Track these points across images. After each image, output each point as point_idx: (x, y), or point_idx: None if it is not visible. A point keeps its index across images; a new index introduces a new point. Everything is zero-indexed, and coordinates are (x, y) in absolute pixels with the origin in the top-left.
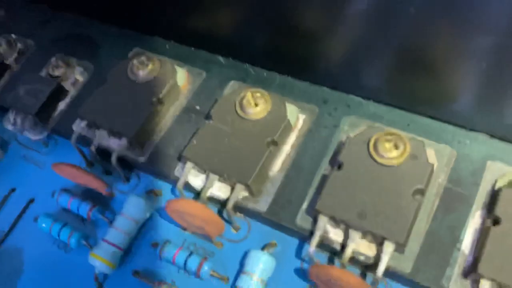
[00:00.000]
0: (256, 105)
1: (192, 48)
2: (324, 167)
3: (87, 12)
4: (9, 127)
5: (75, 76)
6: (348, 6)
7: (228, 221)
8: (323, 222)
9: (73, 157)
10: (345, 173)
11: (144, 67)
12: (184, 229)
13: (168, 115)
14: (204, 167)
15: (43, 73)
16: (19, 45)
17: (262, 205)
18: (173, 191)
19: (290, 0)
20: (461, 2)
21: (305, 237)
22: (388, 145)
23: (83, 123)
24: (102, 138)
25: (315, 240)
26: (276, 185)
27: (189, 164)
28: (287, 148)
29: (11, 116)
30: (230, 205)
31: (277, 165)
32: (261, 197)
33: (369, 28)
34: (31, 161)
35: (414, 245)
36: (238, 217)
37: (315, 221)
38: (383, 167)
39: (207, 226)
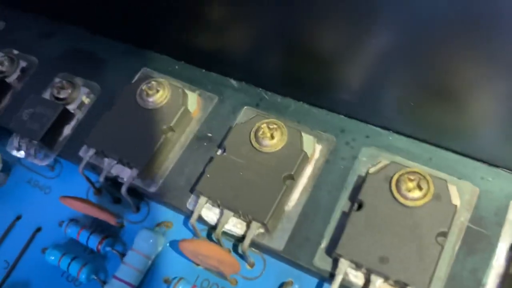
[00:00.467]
0: (272, 137)
1: (203, 70)
2: (343, 202)
3: (91, 26)
4: (14, 152)
5: (81, 98)
6: (368, 32)
7: (243, 257)
8: (344, 266)
9: (80, 183)
10: (366, 214)
11: (154, 93)
12: (197, 264)
13: (179, 143)
14: (218, 203)
15: (47, 94)
16: (21, 63)
17: (278, 242)
18: (185, 223)
19: (307, 23)
20: (485, 35)
21: (323, 277)
22: (411, 184)
23: (91, 151)
24: (111, 167)
25: (336, 285)
26: (293, 221)
27: (202, 199)
28: (303, 180)
29: (15, 140)
30: (246, 244)
31: (293, 199)
32: (277, 233)
33: (390, 56)
34: (36, 186)
35: None
36: (253, 253)
37: (334, 262)
38: (405, 208)
39: (222, 266)
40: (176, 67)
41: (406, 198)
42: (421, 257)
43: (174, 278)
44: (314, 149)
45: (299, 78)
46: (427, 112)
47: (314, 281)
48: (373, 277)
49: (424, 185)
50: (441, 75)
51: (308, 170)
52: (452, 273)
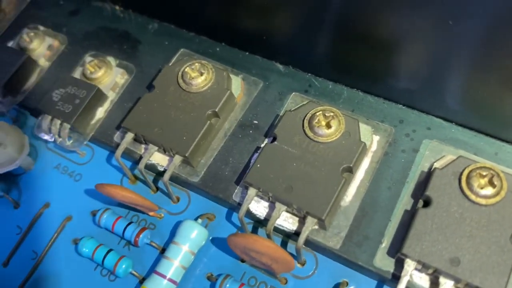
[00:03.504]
0: (328, 126)
1: (247, 53)
2: (405, 198)
3: (124, 2)
4: (42, 135)
5: (114, 79)
6: (432, 13)
7: (294, 255)
8: (411, 267)
9: (113, 170)
10: (434, 211)
11: (198, 75)
12: (242, 260)
13: (223, 129)
14: (269, 196)
15: (77, 74)
16: (48, 40)
17: (335, 240)
18: (228, 215)
19: (361, 3)
20: None
21: (383, 278)
22: (483, 181)
23: (129, 136)
24: (151, 154)
25: (401, 287)
26: (350, 217)
27: (252, 191)
28: (360, 174)
29: (44, 123)
30: (301, 241)
31: (350, 194)
32: (333, 230)
33: (462, 40)
34: (65, 173)
35: None
36: (304, 250)
37: (398, 263)
38: (477, 206)
39: (275, 264)
40: (217, 49)
41: (478, 195)
42: (495, 260)
43: (219, 275)
44: (371, 140)
45: (353, 63)
46: (497, 104)
47: (371, 282)
48: (442, 280)
49: (497, 182)
50: None
51: (366, 163)
52: None
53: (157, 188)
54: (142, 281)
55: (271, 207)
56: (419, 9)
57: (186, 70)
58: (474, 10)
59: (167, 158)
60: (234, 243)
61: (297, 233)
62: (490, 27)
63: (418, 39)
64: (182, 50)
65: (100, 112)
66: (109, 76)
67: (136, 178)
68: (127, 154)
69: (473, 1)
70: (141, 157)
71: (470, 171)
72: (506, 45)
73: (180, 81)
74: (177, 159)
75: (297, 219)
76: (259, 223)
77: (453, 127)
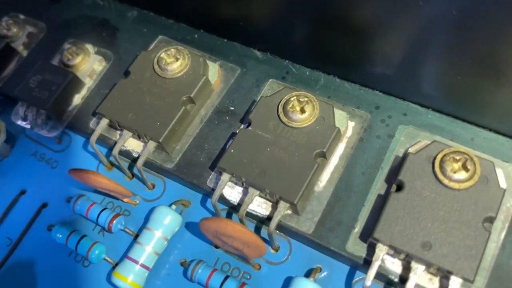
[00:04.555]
0: (302, 111)
1: (225, 40)
2: (379, 183)
3: None
4: (19, 122)
5: (92, 66)
6: None
7: (267, 240)
8: (382, 252)
9: (90, 157)
10: (407, 196)
11: (173, 61)
12: (216, 246)
13: (199, 116)
14: (243, 181)
15: (55, 61)
16: (28, 28)
17: (307, 225)
18: (203, 201)
19: None
20: None
21: (355, 263)
22: (456, 165)
23: (104, 122)
24: (126, 140)
25: (372, 272)
26: (323, 202)
27: (225, 176)
28: (335, 159)
29: (20, 110)
30: (273, 226)
31: (324, 179)
32: (306, 215)
33: (437, 23)
34: (42, 159)
35: (480, 280)
36: (278, 236)
37: (370, 248)
38: (450, 190)
39: (247, 249)
40: (196, 35)
41: (451, 179)
42: (466, 244)
43: (192, 260)
44: (347, 126)
45: (329, 49)
46: (473, 89)
47: (345, 267)
48: (413, 264)
49: (470, 166)
50: (498, 47)
51: (340, 148)
52: (498, 262)
53: (133, 175)
54: (115, 266)
55: (245, 193)
56: None
57: (161, 55)
58: None
59: (142, 144)
60: (205, 227)
61: (270, 218)
62: (460, 9)
63: (392, 24)
64: (160, 37)
65: (77, 99)
66: (87, 63)
67: (112, 164)
68: (102, 140)
69: None
70: (116, 143)
71: (444, 155)
72: (478, 28)
73: (156, 67)
74: (151, 144)
75: (270, 204)
76: (233, 209)
77: (429, 112)
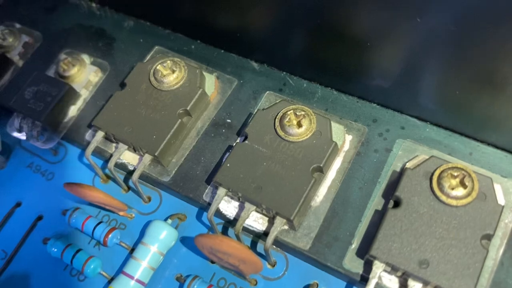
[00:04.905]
0: (299, 125)
1: (222, 50)
2: (376, 199)
3: None
4: (15, 133)
5: (88, 77)
6: (412, 10)
7: (264, 256)
8: (379, 269)
9: (85, 169)
10: (404, 212)
11: (170, 73)
12: (212, 261)
13: (195, 128)
14: (239, 196)
15: (51, 72)
16: (24, 37)
17: (304, 241)
18: (199, 216)
19: (334, 1)
20: None
21: (352, 280)
22: (454, 181)
23: (99, 135)
24: (121, 153)
25: None
26: (320, 218)
27: (221, 190)
28: (332, 174)
29: (16, 121)
30: (269, 241)
31: (321, 194)
32: (302, 231)
33: (435, 37)
34: (38, 171)
35: None
36: (275, 251)
37: (367, 265)
38: (447, 207)
39: (243, 265)
40: (192, 46)
41: (448, 196)
42: (464, 262)
43: (188, 276)
44: (344, 139)
45: (327, 61)
46: (472, 103)
47: (341, 283)
48: (410, 282)
49: (468, 183)
50: (496, 61)
51: (337, 163)
52: (496, 280)
53: (129, 188)
54: (110, 281)
55: (241, 207)
56: (387, 7)
57: (158, 67)
58: (439, 7)
59: (138, 157)
60: (201, 243)
61: (266, 234)
62: (458, 24)
63: (389, 37)
64: (157, 47)
65: (73, 111)
66: (83, 74)
67: (108, 177)
68: (98, 153)
69: None
70: (111, 156)
71: (442, 171)
72: (476, 43)
73: (152, 79)
74: (147, 158)
75: (267, 219)
76: (229, 223)
77: (427, 126)
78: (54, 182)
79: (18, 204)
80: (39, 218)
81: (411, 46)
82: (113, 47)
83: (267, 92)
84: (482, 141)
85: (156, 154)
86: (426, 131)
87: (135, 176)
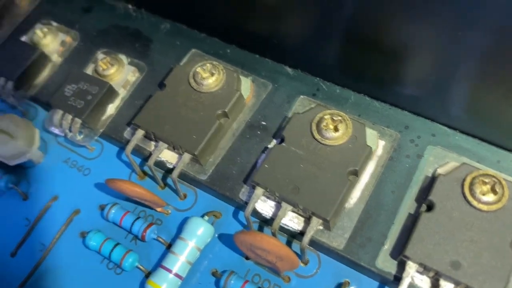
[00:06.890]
0: (336, 129)
1: (257, 55)
2: (408, 202)
3: (136, 1)
4: (52, 129)
5: (126, 77)
6: (442, 24)
7: (298, 254)
8: (412, 269)
9: (121, 166)
10: (437, 216)
11: (209, 76)
12: (247, 258)
13: (232, 130)
14: (276, 196)
15: (89, 70)
16: (61, 36)
17: (338, 241)
18: (234, 214)
19: (372, 10)
20: None
21: (385, 279)
22: (485, 188)
23: (140, 133)
24: (161, 151)
25: None
26: (354, 219)
27: (259, 190)
28: (365, 177)
29: (55, 117)
30: (306, 240)
31: (355, 197)
32: (337, 231)
33: (471, 51)
34: (74, 167)
35: None
36: (308, 250)
37: (400, 265)
38: (478, 212)
39: (280, 262)
40: (228, 50)
41: (480, 201)
42: (494, 264)
43: (223, 271)
44: (377, 145)
45: (361, 69)
46: (500, 113)
47: (373, 283)
48: (442, 282)
49: (499, 189)
50: None
51: (371, 167)
52: None
53: (165, 185)
54: (148, 275)
55: (277, 207)
56: (429, 19)
57: (197, 70)
58: (483, 24)
59: (176, 155)
60: (240, 240)
61: (302, 233)
62: (497, 40)
63: (427, 48)
64: (193, 50)
65: (111, 109)
66: (121, 74)
67: (145, 174)
68: (136, 150)
69: (482, 16)
70: (150, 154)
71: (473, 178)
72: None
73: (191, 80)
74: (186, 157)
75: (302, 219)
76: (264, 222)
77: (457, 134)
78: (90, 177)
79: (55, 198)
80: (76, 212)
81: (447, 58)
82: (150, 49)
83: (301, 96)
84: (510, 150)
85: (195, 153)
86: (456, 138)
87: (175, 173)
